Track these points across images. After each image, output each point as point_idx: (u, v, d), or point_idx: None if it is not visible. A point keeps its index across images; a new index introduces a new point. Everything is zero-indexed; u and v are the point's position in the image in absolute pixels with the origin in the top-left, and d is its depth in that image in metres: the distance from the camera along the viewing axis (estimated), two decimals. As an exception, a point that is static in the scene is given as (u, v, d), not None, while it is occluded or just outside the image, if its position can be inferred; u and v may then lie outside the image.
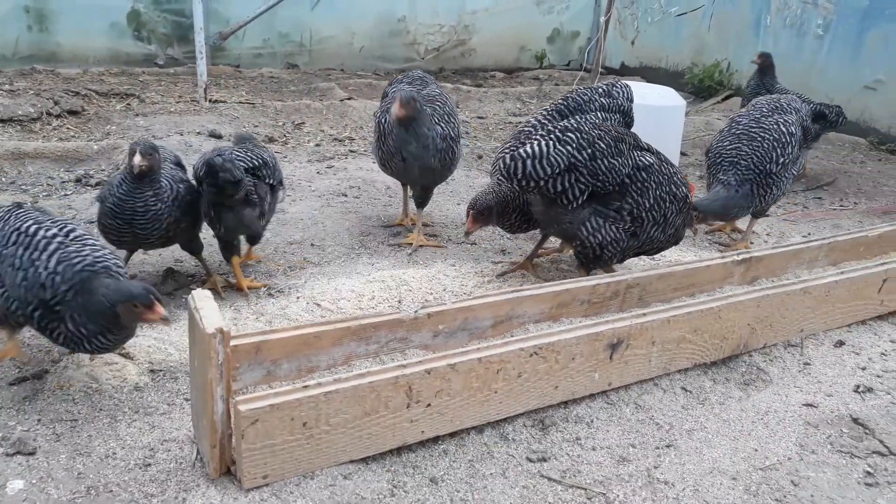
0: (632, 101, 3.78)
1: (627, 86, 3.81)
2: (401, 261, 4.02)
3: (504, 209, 3.69)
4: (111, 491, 2.18)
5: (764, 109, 4.29)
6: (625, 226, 3.39)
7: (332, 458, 2.30)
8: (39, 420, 2.48)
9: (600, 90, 3.72)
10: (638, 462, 2.48)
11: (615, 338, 2.73)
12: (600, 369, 2.75)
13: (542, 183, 3.25)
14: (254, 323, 3.16)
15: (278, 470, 2.21)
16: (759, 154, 4.03)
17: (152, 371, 2.82)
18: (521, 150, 3.25)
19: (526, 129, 3.57)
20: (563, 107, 3.66)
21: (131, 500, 2.14)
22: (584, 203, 3.33)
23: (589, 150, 3.25)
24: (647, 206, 3.37)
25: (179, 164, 3.59)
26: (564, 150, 3.23)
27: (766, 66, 6.34)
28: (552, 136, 3.29)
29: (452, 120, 4.04)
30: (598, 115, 3.59)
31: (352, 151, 6.44)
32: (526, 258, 3.92)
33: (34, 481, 2.20)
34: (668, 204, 3.43)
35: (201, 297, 2.22)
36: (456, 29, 10.77)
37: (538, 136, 3.33)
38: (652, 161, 3.41)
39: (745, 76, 9.13)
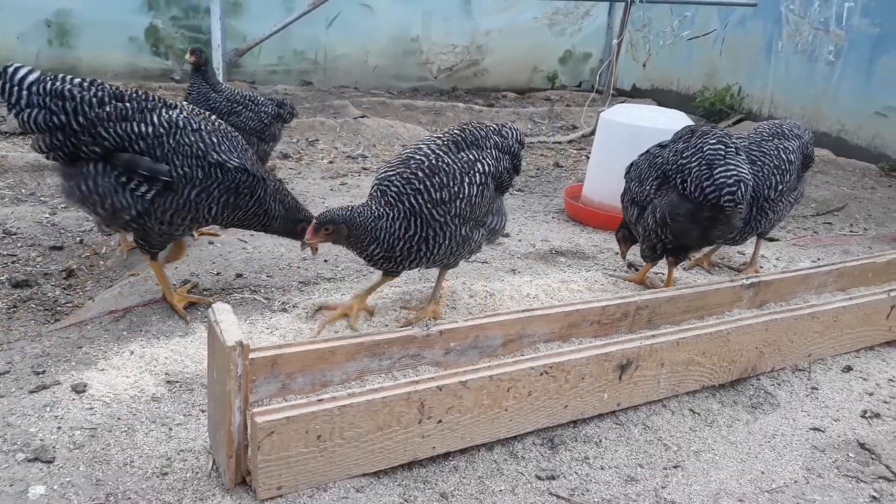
0: (521, 144, 3.55)
1: (517, 129, 3.61)
2: (412, 277, 4.07)
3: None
4: (129, 498, 2.22)
5: (765, 134, 4.30)
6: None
7: (345, 472, 2.34)
8: (59, 428, 2.53)
9: (492, 129, 3.47)
10: (646, 482, 2.51)
11: (625, 359, 2.76)
12: (609, 389, 2.78)
13: (747, 196, 3.57)
14: (268, 337, 3.22)
15: (292, 482, 2.25)
16: (758, 178, 4.05)
17: (169, 382, 2.87)
18: (740, 175, 3.47)
19: (417, 156, 3.17)
20: (459, 137, 3.33)
21: (148, 508, 2.19)
22: None
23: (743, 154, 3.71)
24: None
25: None
26: (744, 158, 3.65)
27: (202, 62, 5.26)
28: (731, 154, 3.58)
29: None
30: (493, 153, 3.35)
31: (364, 169, 6.52)
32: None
33: (55, 487, 2.25)
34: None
35: (221, 311, 2.28)
36: (469, 49, 10.90)
37: (729, 160, 3.53)
38: None
39: (756, 101, 9.22)
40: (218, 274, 3.89)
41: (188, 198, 3.19)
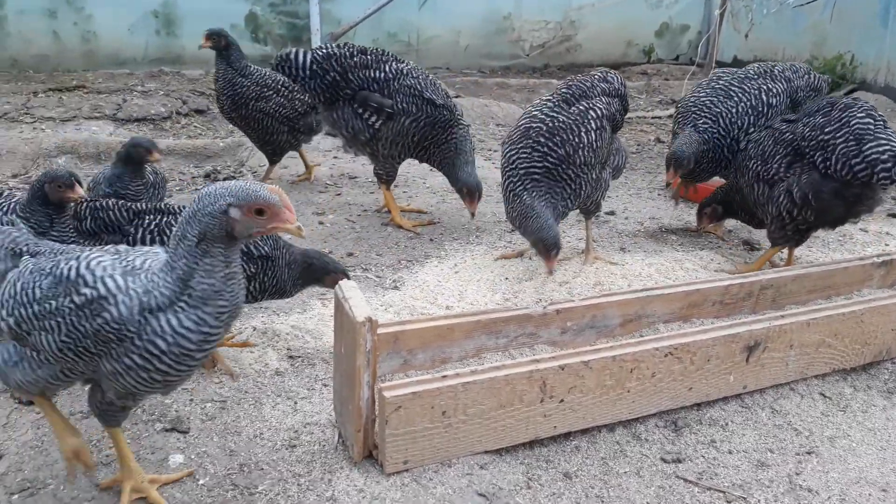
0: (624, 85, 3.85)
1: (618, 73, 3.90)
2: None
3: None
4: (262, 469, 2.30)
5: (751, 72, 4.34)
6: None
7: (468, 448, 2.34)
8: (191, 400, 2.64)
9: (597, 77, 3.78)
10: (778, 468, 2.41)
11: (753, 340, 2.65)
12: (736, 371, 2.68)
13: None
14: (383, 314, 3.26)
15: (418, 456, 2.28)
16: (733, 113, 4.08)
17: (291, 357, 2.95)
18: (894, 149, 3.29)
19: (534, 124, 3.53)
20: (567, 94, 3.67)
21: (280, 479, 2.26)
22: None
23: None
24: None
25: None
26: (894, 131, 3.40)
27: (221, 47, 4.81)
28: (881, 128, 3.37)
29: None
30: (603, 99, 3.65)
31: (462, 148, 6.49)
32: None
33: (192, 456, 2.35)
34: None
35: (348, 288, 2.31)
36: (561, 25, 10.68)
37: (879, 135, 3.33)
38: None
39: (870, 69, 8.67)
40: (330, 252, 3.95)
41: (402, 124, 4.12)
